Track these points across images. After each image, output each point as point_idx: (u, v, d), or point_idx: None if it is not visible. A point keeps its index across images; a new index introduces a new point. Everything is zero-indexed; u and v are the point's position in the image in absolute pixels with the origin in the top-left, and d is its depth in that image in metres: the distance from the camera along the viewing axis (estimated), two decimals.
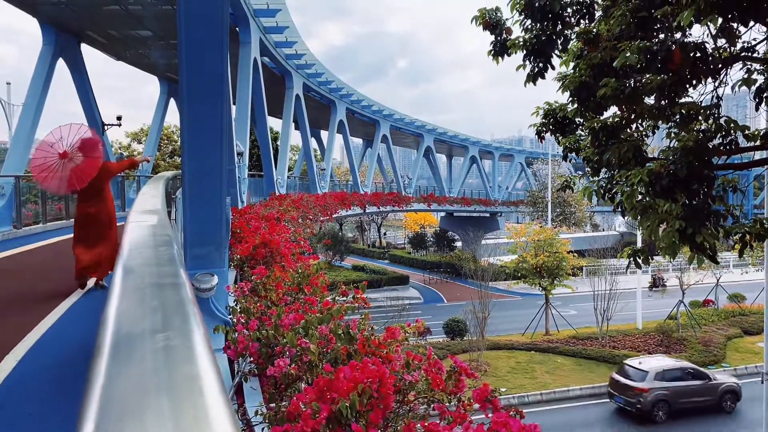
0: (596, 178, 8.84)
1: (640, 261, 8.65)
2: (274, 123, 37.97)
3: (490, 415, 3.13)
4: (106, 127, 23.88)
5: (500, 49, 9.45)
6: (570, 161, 10.40)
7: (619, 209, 8.89)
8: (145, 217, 2.74)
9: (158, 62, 26.91)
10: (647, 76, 7.72)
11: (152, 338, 0.96)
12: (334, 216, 31.53)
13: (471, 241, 59.49)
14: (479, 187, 72.29)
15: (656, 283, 45.77)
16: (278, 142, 34.38)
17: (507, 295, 44.30)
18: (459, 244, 64.00)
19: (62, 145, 7.37)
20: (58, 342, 5.48)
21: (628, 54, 7.21)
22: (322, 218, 27.47)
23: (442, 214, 65.45)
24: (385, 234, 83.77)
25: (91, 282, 7.91)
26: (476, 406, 3.37)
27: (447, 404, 3.42)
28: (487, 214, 64.29)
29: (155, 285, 1.35)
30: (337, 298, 5.44)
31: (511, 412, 3.12)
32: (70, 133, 7.48)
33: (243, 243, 8.81)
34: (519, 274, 34.27)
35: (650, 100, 8.32)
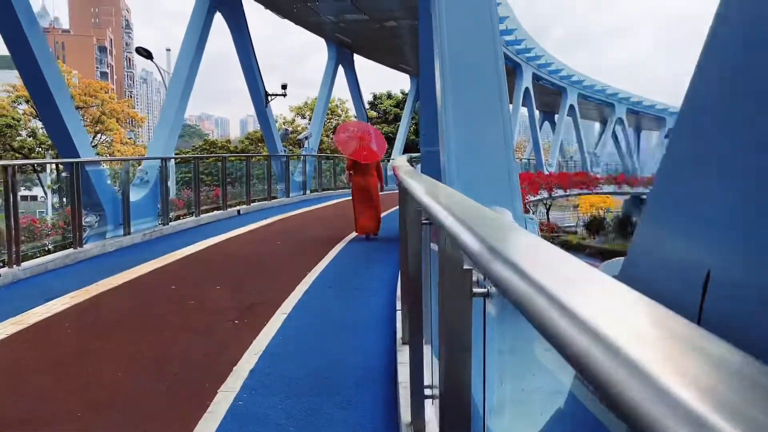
0: None
1: None
2: None
3: None
4: (270, 98, 20.50)
5: None
6: None
7: None
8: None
9: (327, 20, 22.96)
10: None
11: None
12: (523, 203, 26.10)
13: None
14: None
15: None
16: None
17: None
18: None
19: (359, 131, 10.84)
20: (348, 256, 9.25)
21: None
22: None
23: (626, 196, 56.53)
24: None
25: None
26: None
27: None
28: None
29: None
30: None
31: None
32: (361, 127, 11.19)
33: None
34: None
35: None
